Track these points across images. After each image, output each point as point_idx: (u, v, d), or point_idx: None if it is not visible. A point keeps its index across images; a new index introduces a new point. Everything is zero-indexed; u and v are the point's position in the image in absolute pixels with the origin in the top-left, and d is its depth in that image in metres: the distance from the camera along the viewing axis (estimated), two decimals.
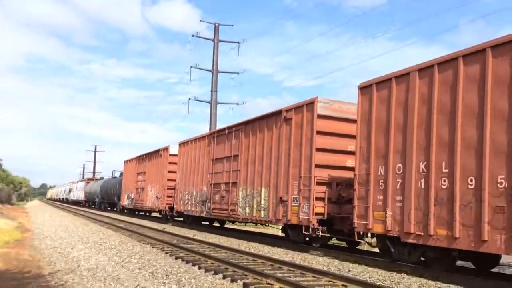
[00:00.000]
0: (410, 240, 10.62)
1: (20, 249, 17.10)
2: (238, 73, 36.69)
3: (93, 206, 53.91)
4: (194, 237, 17.81)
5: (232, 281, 9.38)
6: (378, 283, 9.36)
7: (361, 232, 12.10)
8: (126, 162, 37.08)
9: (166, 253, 13.60)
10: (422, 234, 10.30)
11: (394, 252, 11.43)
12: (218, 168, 19.93)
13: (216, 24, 35.22)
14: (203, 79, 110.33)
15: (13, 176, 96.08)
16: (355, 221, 12.04)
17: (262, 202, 16.18)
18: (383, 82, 11.50)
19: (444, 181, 9.80)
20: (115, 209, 42.60)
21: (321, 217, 13.55)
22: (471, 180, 9.23)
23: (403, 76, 10.98)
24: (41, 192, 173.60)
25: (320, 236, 13.60)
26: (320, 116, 13.93)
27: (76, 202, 65.48)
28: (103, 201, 47.27)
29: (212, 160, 20.41)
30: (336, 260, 12.53)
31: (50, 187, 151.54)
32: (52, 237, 20.72)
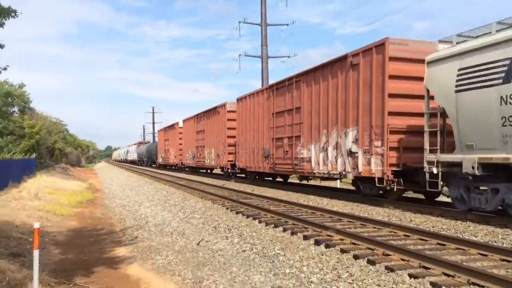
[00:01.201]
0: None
1: (92, 208, 18.34)
2: (287, 24, 35.79)
3: (144, 164, 63.73)
4: (253, 192, 18.18)
5: (292, 233, 9.55)
6: (442, 232, 9.17)
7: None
8: (160, 129, 43.51)
9: (227, 208, 14.03)
10: None
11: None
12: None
13: None
14: (253, 34, 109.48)
15: (80, 140, 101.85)
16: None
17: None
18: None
19: None
20: (154, 165, 53.54)
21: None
22: None
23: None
24: (107, 154, 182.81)
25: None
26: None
27: (131, 162, 77.17)
28: (148, 160, 59.39)
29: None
30: (398, 210, 12.36)
31: (115, 149, 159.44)
32: (121, 196, 21.98)
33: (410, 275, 6.19)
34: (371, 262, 6.92)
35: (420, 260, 6.68)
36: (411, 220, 10.85)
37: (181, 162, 38.76)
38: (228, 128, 25.65)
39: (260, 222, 11.24)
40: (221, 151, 27.04)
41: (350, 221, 10.63)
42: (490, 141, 9.60)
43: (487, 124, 9.58)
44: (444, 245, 7.93)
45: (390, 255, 7.25)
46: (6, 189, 19.51)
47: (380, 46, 12.90)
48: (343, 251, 7.76)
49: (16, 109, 41.37)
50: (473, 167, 9.88)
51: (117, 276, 7.99)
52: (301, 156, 17.53)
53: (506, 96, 9.10)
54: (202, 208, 14.52)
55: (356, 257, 7.31)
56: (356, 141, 13.98)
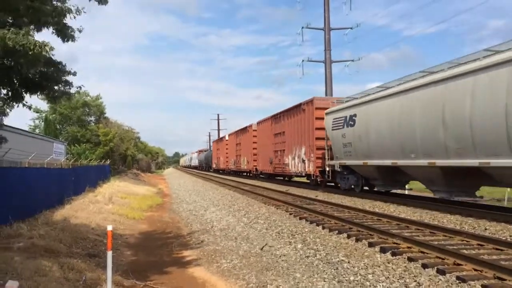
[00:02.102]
0: None
1: (161, 212, 19.11)
2: (351, 28, 35.14)
3: (203, 169, 72.98)
4: (317, 198, 18.03)
5: (357, 240, 9.36)
6: None
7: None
8: (214, 141, 52.46)
9: (290, 214, 14.02)
10: None
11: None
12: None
13: None
14: (316, 39, 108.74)
15: (150, 147, 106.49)
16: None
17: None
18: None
19: None
20: (211, 169, 61.85)
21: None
22: None
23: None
24: (175, 160, 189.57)
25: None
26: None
27: (194, 167, 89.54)
28: (206, 166, 69.85)
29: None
30: (471, 218, 11.71)
31: (182, 155, 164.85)
32: (187, 200, 22.70)
33: (484, 286, 5.85)
34: (441, 272, 6.62)
35: (494, 271, 6.29)
36: (486, 229, 10.23)
37: (255, 168, 35.48)
38: (316, 129, 22.28)
39: (323, 228, 11.12)
40: (308, 155, 23.36)
41: (418, 229, 10.22)
42: (341, 154, 18.95)
43: (339, 147, 18.92)
44: None
45: (461, 264, 6.88)
46: (83, 193, 20.85)
47: (312, 101, 22.55)
48: (410, 259, 7.49)
49: (92, 118, 44.15)
50: (338, 167, 19.44)
51: (185, 278, 8.27)
52: (285, 162, 26.53)
53: (344, 133, 18.43)
54: (265, 213, 14.63)
55: (424, 266, 7.02)
56: (305, 153, 23.32)
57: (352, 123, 17.72)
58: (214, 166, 57.22)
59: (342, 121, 18.47)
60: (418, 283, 6.32)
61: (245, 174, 41.14)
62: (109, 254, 6.36)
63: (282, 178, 31.63)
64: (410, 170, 15.03)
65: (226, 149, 47.50)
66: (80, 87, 9.59)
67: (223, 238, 11.53)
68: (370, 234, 9.72)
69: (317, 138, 21.98)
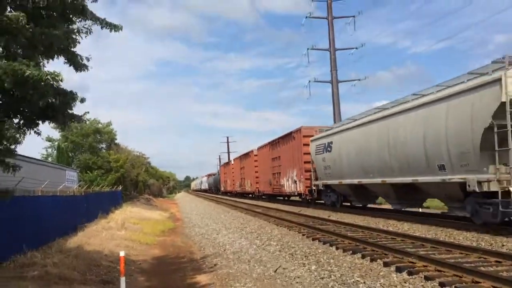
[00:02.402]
0: None
1: (174, 237, 19.05)
2: (356, 48, 35.39)
3: (212, 192, 77.76)
4: (330, 218, 17.89)
5: (371, 260, 9.24)
6: None
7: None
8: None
9: (303, 235, 13.91)
10: None
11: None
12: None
13: (329, 1, 34.42)
14: (322, 59, 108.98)
15: (161, 172, 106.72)
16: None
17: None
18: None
19: None
20: (219, 192, 65.20)
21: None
22: None
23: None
24: (185, 184, 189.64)
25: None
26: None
27: (204, 190, 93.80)
28: (214, 188, 74.38)
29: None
30: (487, 235, 11.50)
31: (193, 179, 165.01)
32: (199, 224, 22.63)
33: None
34: None
35: None
36: (503, 245, 10.05)
37: (258, 190, 38.70)
38: (305, 153, 25.53)
39: (337, 248, 11.01)
40: (298, 176, 26.72)
41: (434, 247, 10.07)
42: (322, 175, 22.61)
43: (321, 169, 22.54)
44: None
45: (480, 282, 6.76)
46: (96, 220, 20.91)
47: (300, 129, 26.16)
48: (427, 278, 7.36)
49: (104, 145, 44.58)
50: (321, 186, 22.98)
51: None
52: (281, 184, 30.05)
53: (324, 157, 22.01)
54: (278, 235, 14.53)
55: (442, 284, 6.90)
56: (296, 175, 26.68)
57: (329, 149, 21.41)
58: (222, 188, 61.96)
59: (322, 147, 22.24)
60: None
61: (250, 195, 44.08)
62: (123, 280, 6.36)
63: (282, 198, 34.60)
64: (371, 187, 18.38)
65: (232, 172, 51.99)
66: (85, 113, 9.67)
67: (236, 261, 11.44)
68: (385, 254, 9.60)
69: (305, 162, 25.27)
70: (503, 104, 10.67)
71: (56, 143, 41.76)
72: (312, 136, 24.11)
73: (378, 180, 16.78)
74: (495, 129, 10.89)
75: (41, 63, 7.59)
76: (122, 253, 6.50)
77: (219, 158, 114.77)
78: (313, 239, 12.82)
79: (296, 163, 26.71)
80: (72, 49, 8.13)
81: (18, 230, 11.03)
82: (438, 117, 13.08)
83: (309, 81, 35.78)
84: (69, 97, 8.43)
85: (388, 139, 15.84)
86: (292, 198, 31.70)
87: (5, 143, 7.60)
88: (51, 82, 7.03)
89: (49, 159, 40.36)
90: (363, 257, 9.67)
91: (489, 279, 6.73)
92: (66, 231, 15.31)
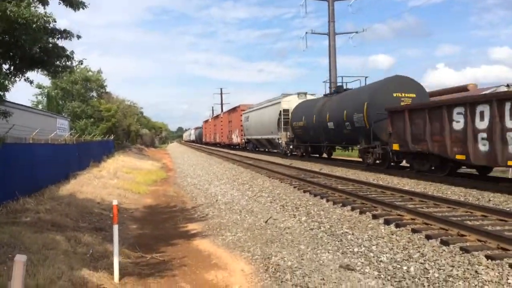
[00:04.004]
0: None
1: (166, 187, 19.23)
2: None
3: (197, 142, 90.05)
4: (321, 171, 18.08)
5: (360, 213, 9.41)
6: None
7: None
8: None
9: (294, 187, 14.08)
10: None
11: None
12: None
13: None
14: (320, 10, 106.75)
15: (154, 122, 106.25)
16: None
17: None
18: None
19: None
20: (202, 142, 78.78)
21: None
22: None
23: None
24: (178, 135, 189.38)
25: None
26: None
27: (193, 141, 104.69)
28: (199, 139, 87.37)
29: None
30: (475, 190, 11.74)
31: (185, 130, 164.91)
32: (192, 175, 22.81)
33: (487, 257, 5.90)
34: (445, 243, 6.67)
35: (498, 241, 6.34)
36: (490, 200, 10.27)
37: (223, 142, 56.04)
38: (240, 120, 44.73)
39: (327, 201, 11.18)
40: (239, 134, 46.36)
41: (422, 201, 10.26)
42: (246, 133, 41.68)
43: (246, 130, 41.96)
44: None
45: (465, 235, 6.93)
46: (88, 168, 20.97)
47: (239, 106, 44.96)
48: (414, 231, 7.54)
49: (94, 93, 43.94)
50: (245, 139, 42.18)
51: (190, 251, 8.37)
52: (232, 138, 48.02)
53: (247, 124, 40.84)
54: (269, 186, 14.70)
55: (428, 237, 7.07)
56: (237, 133, 44.41)
57: (247, 120, 39.54)
58: (204, 140, 77.53)
59: (246, 118, 40.39)
60: (421, 253, 6.37)
61: (218, 145, 58.80)
62: (115, 227, 6.42)
63: (232, 146, 50.49)
64: (262, 141, 36.09)
65: (210, 128, 68.11)
66: (81, 61, 9.47)
67: (228, 211, 11.62)
68: (374, 207, 9.77)
69: (241, 126, 43.30)
70: (280, 111, 29.26)
71: (46, 90, 41.08)
72: (244, 111, 42.36)
73: (260, 137, 35.80)
74: (280, 119, 28.99)
75: (33, 6, 7.26)
76: (115, 202, 6.53)
77: (212, 110, 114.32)
78: (304, 191, 12.99)
79: (237, 126, 45.44)
80: None
81: (10, 177, 11.02)
82: (269, 113, 32.26)
83: (306, 33, 35.48)
84: (64, 36, 8.18)
85: (261, 118, 34.67)
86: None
87: None
88: (44, 25, 6.79)
89: (39, 106, 39.85)
90: (352, 209, 9.85)
91: (474, 232, 6.89)
92: (58, 179, 15.35)
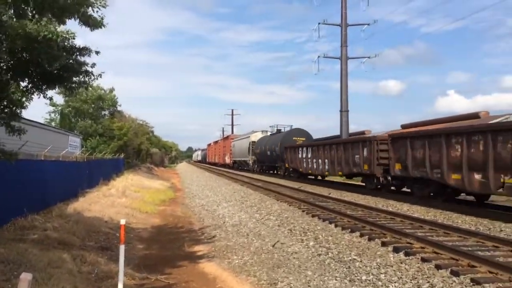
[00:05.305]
0: None
1: (174, 207, 19.19)
2: (368, 24, 34.70)
3: (203, 162, 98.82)
4: (330, 195, 17.95)
5: (369, 239, 9.28)
6: None
7: None
8: (214, 142, 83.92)
9: (303, 211, 13.97)
10: None
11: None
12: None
13: None
14: (332, 35, 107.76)
15: (164, 141, 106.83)
16: None
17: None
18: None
19: None
20: (206, 162, 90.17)
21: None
22: None
23: None
24: (188, 154, 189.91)
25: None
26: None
27: (199, 161, 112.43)
28: (204, 160, 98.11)
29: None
30: (486, 220, 11.53)
31: (195, 150, 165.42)
32: (200, 195, 22.77)
33: None
34: (455, 273, 6.53)
35: (510, 274, 6.19)
36: (501, 230, 10.08)
37: (219, 162, 68.25)
38: (229, 147, 59.11)
39: (336, 226, 11.06)
40: (228, 156, 60.15)
41: (432, 229, 10.10)
42: (234, 156, 54.50)
43: (234, 154, 54.75)
44: None
45: (476, 266, 6.78)
46: (97, 186, 21.04)
47: (229, 136, 66.02)
48: (424, 260, 7.40)
49: (106, 112, 44.45)
50: (233, 160, 55.24)
51: (195, 273, 8.28)
52: (225, 159, 61.41)
53: (233, 149, 55.22)
54: (277, 210, 14.60)
55: (438, 267, 6.94)
56: (228, 156, 58.86)
57: (233, 147, 54.04)
58: (207, 160, 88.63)
59: (233, 145, 53.95)
60: (431, 284, 6.24)
61: (217, 164, 69.80)
62: (122, 247, 6.39)
63: (227, 165, 59.38)
64: (241, 162, 49.52)
65: (211, 150, 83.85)
66: (100, 74, 9.51)
67: (235, 234, 11.53)
68: (383, 233, 9.64)
69: (230, 150, 55.90)
70: (250, 142, 44.21)
71: (60, 108, 41.66)
72: (233, 139, 56.63)
73: (240, 159, 50.07)
74: (250, 147, 43.74)
75: (54, 25, 7.40)
76: (123, 221, 6.51)
77: (223, 130, 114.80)
78: (312, 216, 12.88)
79: (228, 151, 58.56)
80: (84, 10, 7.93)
81: (20, 193, 11.08)
82: (245, 142, 46.97)
83: (318, 56, 35.42)
84: (83, 53, 8.30)
85: (241, 146, 49.10)
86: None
87: (11, 106, 7.53)
88: (64, 43, 6.90)
89: (53, 124, 40.36)
90: (361, 235, 9.72)
91: (485, 263, 6.75)
92: (67, 196, 15.41)
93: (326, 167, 23.49)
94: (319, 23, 34.81)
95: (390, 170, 17.13)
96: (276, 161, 34.95)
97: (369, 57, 35.06)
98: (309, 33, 76.33)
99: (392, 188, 18.48)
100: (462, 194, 15.39)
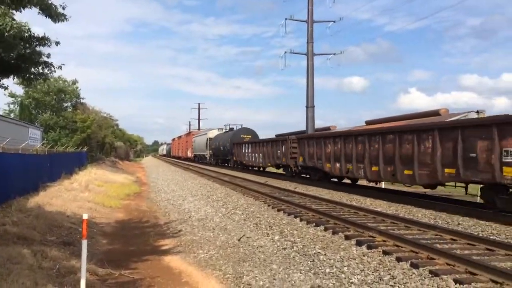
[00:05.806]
0: None
1: (139, 201, 18.93)
2: (334, 21, 35.10)
3: (167, 156, 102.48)
4: (295, 190, 18.15)
5: (333, 233, 9.46)
6: (492, 237, 8.81)
7: None
8: (178, 137, 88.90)
9: (269, 205, 14.07)
10: None
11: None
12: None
13: None
14: (299, 30, 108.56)
15: (129, 135, 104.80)
16: None
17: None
18: None
19: None
20: (170, 156, 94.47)
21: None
22: None
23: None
24: (154, 148, 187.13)
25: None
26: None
27: (164, 155, 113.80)
28: (168, 154, 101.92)
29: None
30: (444, 213, 11.97)
31: (161, 144, 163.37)
32: (166, 190, 22.54)
33: (455, 281, 5.99)
34: (415, 266, 6.75)
35: (466, 266, 6.45)
36: (459, 224, 10.48)
37: (183, 156, 72.86)
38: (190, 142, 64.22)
39: (301, 220, 11.21)
40: (190, 151, 64.45)
41: (393, 223, 10.40)
42: (195, 150, 59.90)
43: (195, 148, 60.44)
44: (493, 250, 7.61)
45: (434, 259, 7.03)
46: (59, 180, 20.48)
47: (192, 132, 73.51)
48: (385, 253, 7.62)
49: (69, 104, 43.24)
50: (194, 154, 60.70)
51: (161, 268, 8.22)
52: (188, 153, 66.03)
53: (194, 144, 61.40)
54: (244, 204, 14.65)
55: (399, 259, 7.16)
56: (190, 150, 63.39)
57: (195, 141, 59.32)
58: (172, 154, 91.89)
59: (194, 140, 59.88)
60: (392, 276, 6.43)
61: (181, 158, 73.63)
62: (84, 242, 6.26)
63: (191, 159, 62.82)
64: (201, 156, 55.19)
65: (175, 145, 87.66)
66: (61, 66, 9.25)
67: (201, 228, 11.50)
68: (347, 227, 9.84)
69: (192, 145, 61.05)
70: (207, 139, 49.77)
71: (19, 99, 40.18)
72: (194, 135, 62.45)
73: (199, 153, 56.28)
74: (207, 143, 49.52)
75: (10, 14, 7.12)
76: (85, 216, 6.37)
77: (189, 124, 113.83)
78: (278, 210, 12.99)
79: (190, 146, 63.34)
80: None
81: None
82: (203, 138, 53.02)
83: (285, 52, 35.54)
84: (43, 43, 8.05)
85: (200, 141, 54.92)
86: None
87: None
88: (21, 34, 6.67)
89: (11, 115, 38.90)
90: (325, 229, 9.89)
91: (443, 256, 7.01)
92: (27, 190, 14.92)
93: (261, 160, 30.11)
94: (286, 19, 34.89)
95: (297, 161, 23.45)
96: (227, 155, 40.72)
97: (334, 54, 35.52)
98: (276, 28, 76.72)
99: (303, 175, 23.97)
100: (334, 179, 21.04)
